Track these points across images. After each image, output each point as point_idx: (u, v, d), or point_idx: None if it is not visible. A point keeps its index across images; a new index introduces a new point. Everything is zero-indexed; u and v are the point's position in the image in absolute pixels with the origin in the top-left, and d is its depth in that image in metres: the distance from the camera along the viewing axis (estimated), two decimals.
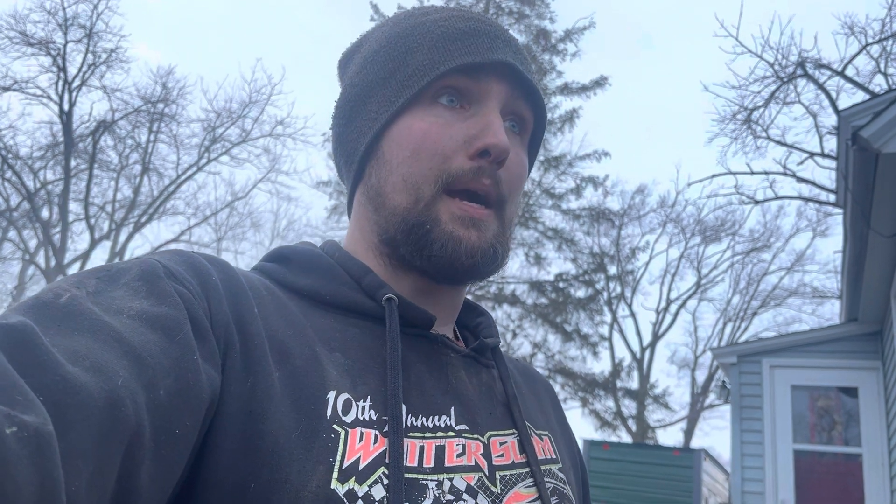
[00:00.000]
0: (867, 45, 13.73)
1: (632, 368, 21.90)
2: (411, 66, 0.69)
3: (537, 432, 0.74)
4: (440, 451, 0.60)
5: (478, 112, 0.68)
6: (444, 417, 0.63)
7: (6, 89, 14.57)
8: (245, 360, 0.55)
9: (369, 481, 0.54)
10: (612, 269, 21.26)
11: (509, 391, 0.72)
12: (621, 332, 22.52)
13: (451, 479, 0.59)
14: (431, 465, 0.59)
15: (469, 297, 0.77)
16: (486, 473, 0.62)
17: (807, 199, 17.23)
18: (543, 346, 16.79)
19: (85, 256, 16.21)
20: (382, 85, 0.71)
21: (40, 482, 0.33)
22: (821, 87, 14.34)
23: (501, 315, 15.86)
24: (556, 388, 18.32)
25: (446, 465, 0.60)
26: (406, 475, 0.56)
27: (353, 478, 0.53)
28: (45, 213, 15.62)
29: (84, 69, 15.00)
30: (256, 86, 24.94)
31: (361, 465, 0.54)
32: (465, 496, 0.59)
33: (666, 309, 23.16)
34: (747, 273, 23.01)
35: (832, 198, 15.13)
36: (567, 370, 17.37)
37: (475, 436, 0.64)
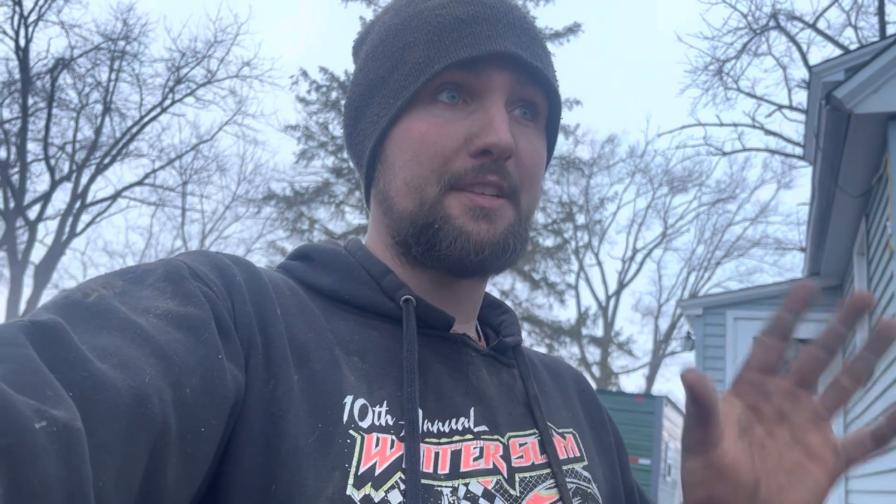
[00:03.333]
0: None
1: (597, 316, 22.31)
2: (408, 63, 0.66)
3: (560, 431, 0.73)
4: (456, 455, 0.60)
5: (480, 107, 0.65)
6: (462, 420, 0.63)
7: None
8: (267, 362, 0.56)
9: (385, 487, 0.54)
10: (581, 219, 21.43)
11: (530, 391, 0.72)
12: (588, 280, 22.84)
13: (466, 485, 0.58)
14: (447, 471, 0.58)
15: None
16: (505, 476, 0.62)
17: (773, 152, 17.43)
18: (511, 294, 16.97)
19: (46, 198, 15.82)
20: (382, 84, 0.68)
21: (69, 477, 0.34)
22: (792, 39, 14.37)
23: None
24: (522, 335, 18.60)
25: (462, 469, 0.59)
26: (422, 481, 0.56)
27: (370, 483, 0.53)
28: (2, 153, 15.14)
29: (41, 3, 14.40)
30: (222, 25, 24.27)
31: (377, 471, 0.54)
32: (481, 500, 0.58)
33: (632, 258, 23.49)
34: (712, 223, 23.37)
35: (798, 150, 15.32)
36: (534, 317, 17.62)
37: (495, 437, 0.64)
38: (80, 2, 14.92)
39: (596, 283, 24.18)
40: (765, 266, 22.78)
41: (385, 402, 0.59)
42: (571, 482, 0.67)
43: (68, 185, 16.46)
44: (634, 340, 22.65)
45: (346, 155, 15.24)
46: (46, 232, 17.18)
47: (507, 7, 0.68)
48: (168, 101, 16.85)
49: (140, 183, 18.16)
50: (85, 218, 17.08)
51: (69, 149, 16.28)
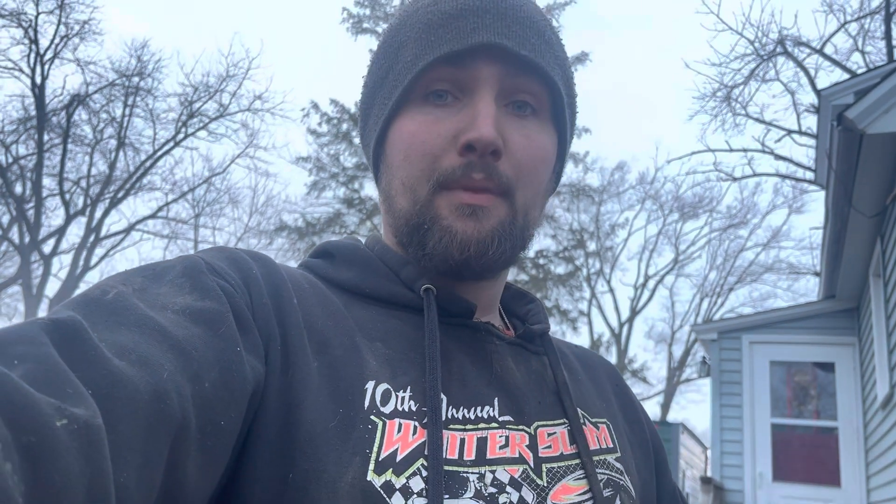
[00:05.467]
0: (846, 22, 13.81)
1: (610, 343, 22.18)
2: (400, 63, 0.66)
3: (592, 420, 0.71)
4: (482, 443, 0.59)
5: (468, 103, 0.64)
6: (486, 408, 0.62)
7: None
8: (285, 352, 0.56)
9: (407, 473, 0.53)
10: (592, 246, 21.41)
11: (559, 378, 0.70)
12: (600, 307, 22.75)
13: (493, 472, 0.57)
14: (472, 457, 0.57)
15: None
16: (532, 466, 0.60)
17: (784, 176, 17.41)
18: None
19: (60, 232, 15.96)
20: (381, 86, 0.69)
21: (90, 474, 0.34)
22: (800, 64, 14.43)
23: None
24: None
25: (488, 457, 0.58)
26: (446, 468, 0.55)
27: (391, 469, 0.53)
28: (18, 189, 15.32)
29: (56, 41, 14.68)
30: (234, 59, 24.61)
31: (399, 457, 0.54)
32: (508, 489, 0.57)
33: (644, 285, 23.40)
34: (724, 249, 23.24)
35: (809, 175, 15.30)
36: None
37: (520, 427, 0.62)
38: (95, 39, 15.13)
39: (608, 311, 24.07)
40: (778, 291, 22.59)
41: (409, 387, 0.59)
42: (602, 473, 0.65)
43: (82, 220, 16.62)
44: (648, 367, 22.55)
45: (357, 186, 15.38)
46: (61, 266, 17.32)
47: None
48: (181, 135, 17.05)
49: (153, 216, 18.32)
50: (99, 251, 17.21)
51: (84, 183, 16.46)
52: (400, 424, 0.56)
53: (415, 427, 0.56)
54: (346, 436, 0.53)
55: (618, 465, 0.69)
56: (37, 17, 14.16)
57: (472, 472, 0.56)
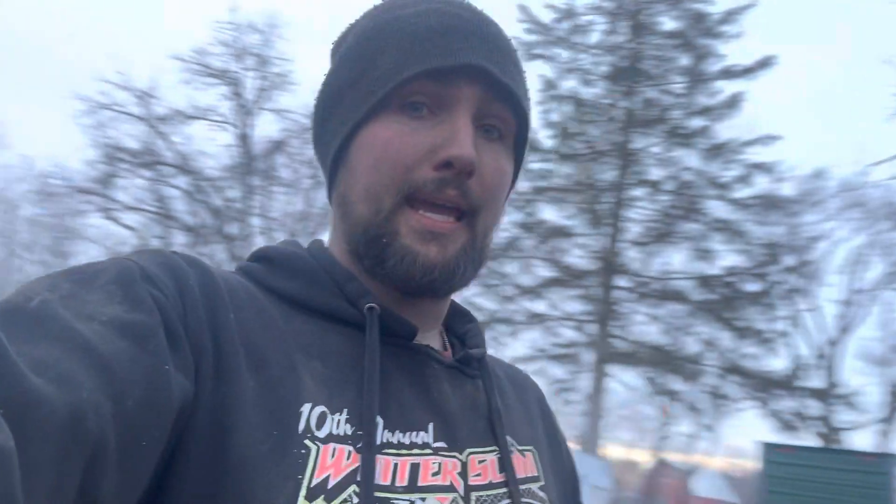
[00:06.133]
0: None
1: (815, 366, 20.44)
2: (379, 69, 0.65)
3: (520, 448, 0.72)
4: (414, 469, 0.59)
5: (446, 119, 0.65)
6: (421, 434, 0.62)
7: (194, 118, 16.17)
8: (217, 369, 0.55)
9: (338, 499, 0.53)
10: (790, 261, 19.96)
11: (493, 405, 0.70)
12: (802, 326, 21.06)
13: (423, 500, 0.58)
14: (405, 483, 0.58)
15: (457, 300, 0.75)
16: (462, 494, 0.61)
17: None
18: (714, 344, 16.09)
19: None
20: (352, 87, 0.68)
21: None
22: None
23: (665, 313, 15.33)
24: (732, 389, 17.46)
25: (420, 484, 0.59)
26: (378, 493, 0.55)
27: (322, 496, 0.53)
28: (230, 229, 17.03)
29: (258, 94, 16.26)
30: None
31: (331, 483, 0.54)
32: None
33: (853, 301, 21.38)
34: None
35: None
36: (742, 369, 16.52)
37: (453, 454, 0.63)
38: (290, 90, 16.61)
39: (812, 330, 22.22)
40: None
41: (345, 409, 0.59)
42: (527, 502, 0.67)
43: None
44: (863, 392, 20.40)
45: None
46: None
47: (484, 21, 0.68)
48: None
49: None
50: None
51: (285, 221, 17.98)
52: (334, 449, 0.56)
53: (349, 452, 0.56)
54: (278, 459, 0.53)
55: (541, 493, 0.70)
56: (240, 75, 15.83)
57: (403, 499, 0.57)
